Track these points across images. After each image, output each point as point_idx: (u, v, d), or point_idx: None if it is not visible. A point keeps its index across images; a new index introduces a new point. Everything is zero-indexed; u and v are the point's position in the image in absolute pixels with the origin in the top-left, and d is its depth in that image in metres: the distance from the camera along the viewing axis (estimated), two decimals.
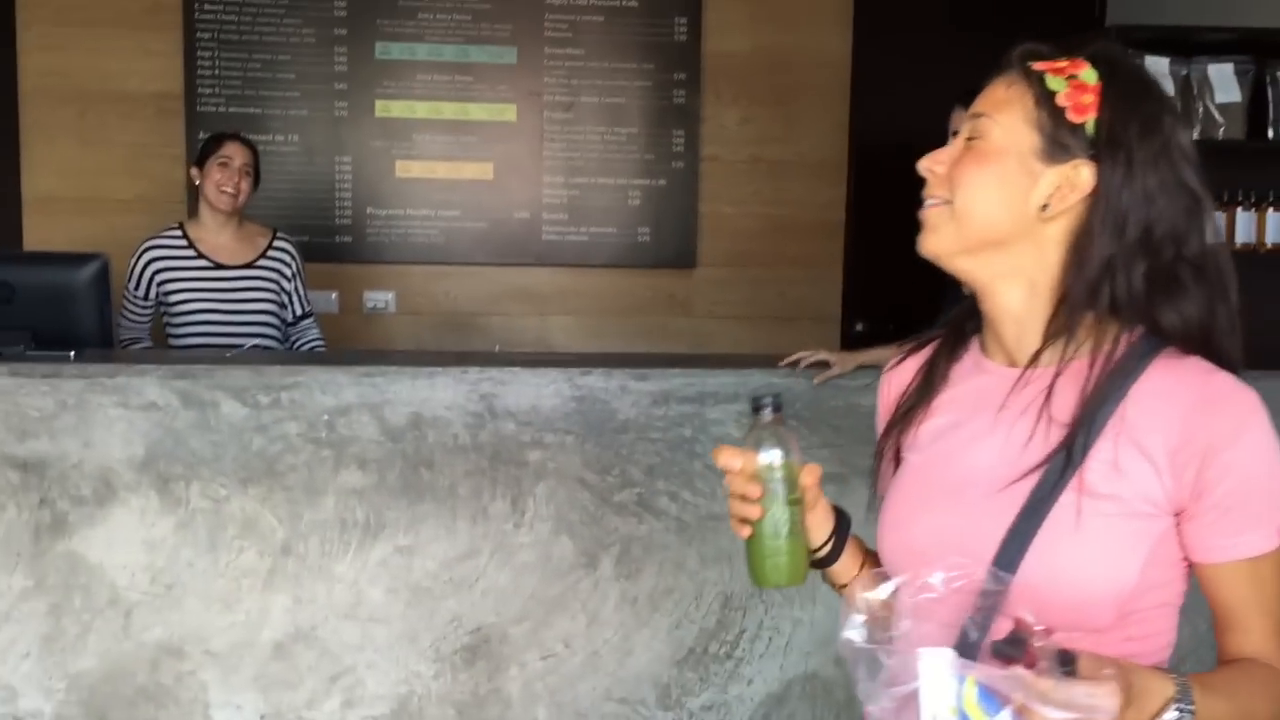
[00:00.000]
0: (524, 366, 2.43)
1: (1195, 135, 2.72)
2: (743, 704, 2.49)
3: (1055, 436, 1.13)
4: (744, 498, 1.15)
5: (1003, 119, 1.15)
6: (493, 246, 4.38)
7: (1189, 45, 2.73)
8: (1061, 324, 1.15)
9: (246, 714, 2.39)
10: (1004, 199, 1.14)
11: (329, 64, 4.25)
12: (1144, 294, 1.12)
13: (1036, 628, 0.99)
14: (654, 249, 4.46)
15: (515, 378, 2.39)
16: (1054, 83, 1.14)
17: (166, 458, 2.33)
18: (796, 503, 1.16)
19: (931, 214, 1.18)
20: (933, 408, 1.25)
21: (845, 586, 1.23)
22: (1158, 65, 2.57)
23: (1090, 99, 1.12)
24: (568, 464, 2.40)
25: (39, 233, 4.17)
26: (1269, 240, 2.75)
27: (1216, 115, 2.70)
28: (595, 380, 2.40)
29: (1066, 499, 1.10)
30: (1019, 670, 0.95)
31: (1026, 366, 1.17)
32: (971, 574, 1.06)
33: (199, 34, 4.19)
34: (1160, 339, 1.13)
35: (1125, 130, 1.12)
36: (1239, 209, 2.73)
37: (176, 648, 2.36)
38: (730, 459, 1.15)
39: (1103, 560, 1.10)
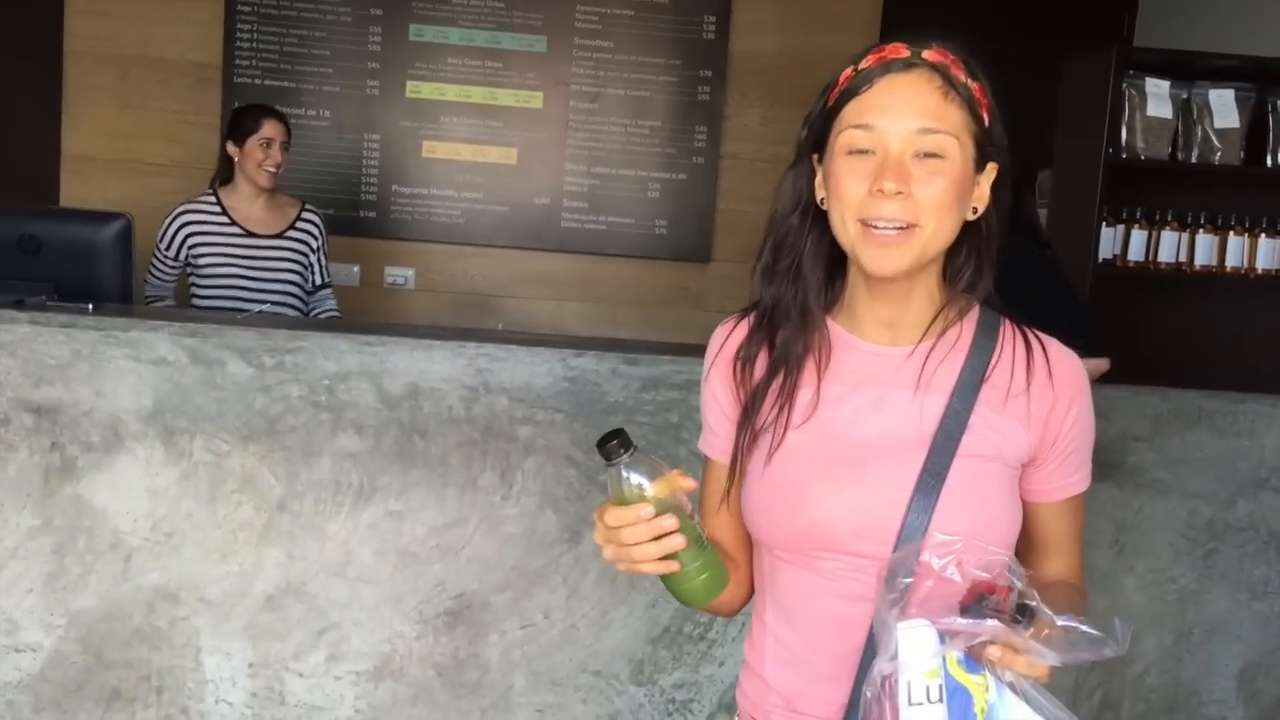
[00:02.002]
0: (519, 345, 2.51)
1: (1192, 158, 2.76)
2: (713, 684, 2.56)
3: (939, 406, 1.21)
4: (658, 537, 1.13)
5: (960, 137, 1.16)
6: (512, 230, 4.49)
7: (1192, 70, 2.77)
8: (949, 304, 1.25)
9: (235, 661, 2.49)
10: (960, 219, 1.20)
11: (363, 43, 4.37)
12: (989, 282, 1.25)
13: (998, 586, 1.09)
14: (670, 241, 4.54)
15: (511, 355, 2.47)
16: (964, 88, 1.17)
17: (173, 411, 2.43)
18: (691, 515, 1.17)
19: (898, 242, 1.16)
20: (800, 383, 1.26)
21: None
22: (1158, 88, 2.61)
23: (985, 101, 1.19)
24: (556, 441, 2.48)
25: (75, 191, 4.32)
26: (1259, 266, 2.79)
27: (1214, 139, 2.74)
28: (587, 362, 2.48)
29: (960, 464, 1.18)
30: (994, 626, 1.05)
31: (923, 342, 1.24)
32: (960, 552, 1.12)
33: (239, 7, 4.31)
34: (990, 308, 1.27)
35: (1001, 130, 1.22)
36: (1231, 234, 2.76)
37: (173, 593, 2.46)
38: (630, 511, 1.13)
39: (1000, 517, 1.21)
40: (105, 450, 2.43)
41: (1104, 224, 2.78)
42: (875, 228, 1.16)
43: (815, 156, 1.25)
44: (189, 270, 3.58)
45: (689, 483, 1.16)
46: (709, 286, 4.61)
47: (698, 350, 2.65)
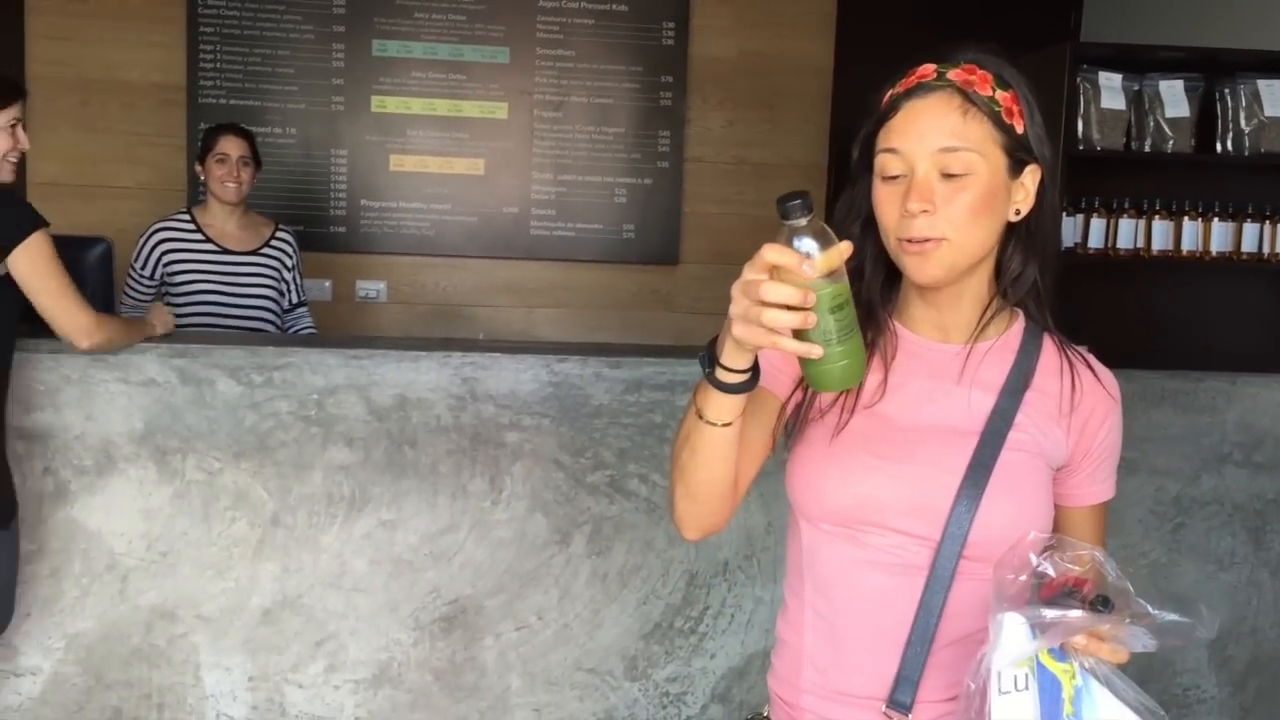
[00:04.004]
0: (504, 353, 2.56)
1: (1145, 147, 2.86)
2: (705, 676, 2.63)
3: (988, 402, 1.29)
4: (790, 308, 1.04)
5: (984, 150, 1.23)
6: (482, 240, 4.52)
7: (1143, 62, 2.86)
8: (1000, 305, 1.32)
9: (235, 676, 2.52)
10: (995, 226, 1.26)
11: (327, 60, 4.39)
12: (1033, 272, 1.31)
13: (1083, 579, 1.14)
14: (639, 245, 4.60)
15: (496, 363, 2.52)
16: (992, 101, 1.24)
17: (164, 431, 2.46)
18: (846, 303, 1.07)
19: (931, 252, 1.23)
20: (868, 373, 1.29)
21: (727, 426, 1.19)
22: (1110, 80, 2.70)
23: (1016, 108, 1.25)
24: (544, 446, 2.53)
25: None
26: (1213, 249, 2.89)
27: (1166, 129, 2.83)
28: (571, 367, 2.54)
29: (1007, 457, 1.26)
30: (1079, 616, 1.09)
31: (975, 342, 1.31)
32: (1054, 549, 1.16)
33: (201, 28, 4.32)
34: (1032, 319, 1.34)
35: (1041, 131, 1.28)
36: (1185, 219, 2.86)
37: (170, 611, 2.49)
38: (787, 256, 1.03)
39: (1040, 509, 1.29)
40: (98, 473, 2.46)
41: (1064, 214, 2.88)
42: (910, 243, 1.25)
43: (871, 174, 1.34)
44: (164, 289, 3.59)
45: (847, 248, 1.07)
46: (678, 288, 4.67)
47: (678, 351, 2.73)
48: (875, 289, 1.33)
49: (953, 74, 1.24)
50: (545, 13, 4.47)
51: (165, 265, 3.53)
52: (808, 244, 1.04)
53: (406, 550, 2.53)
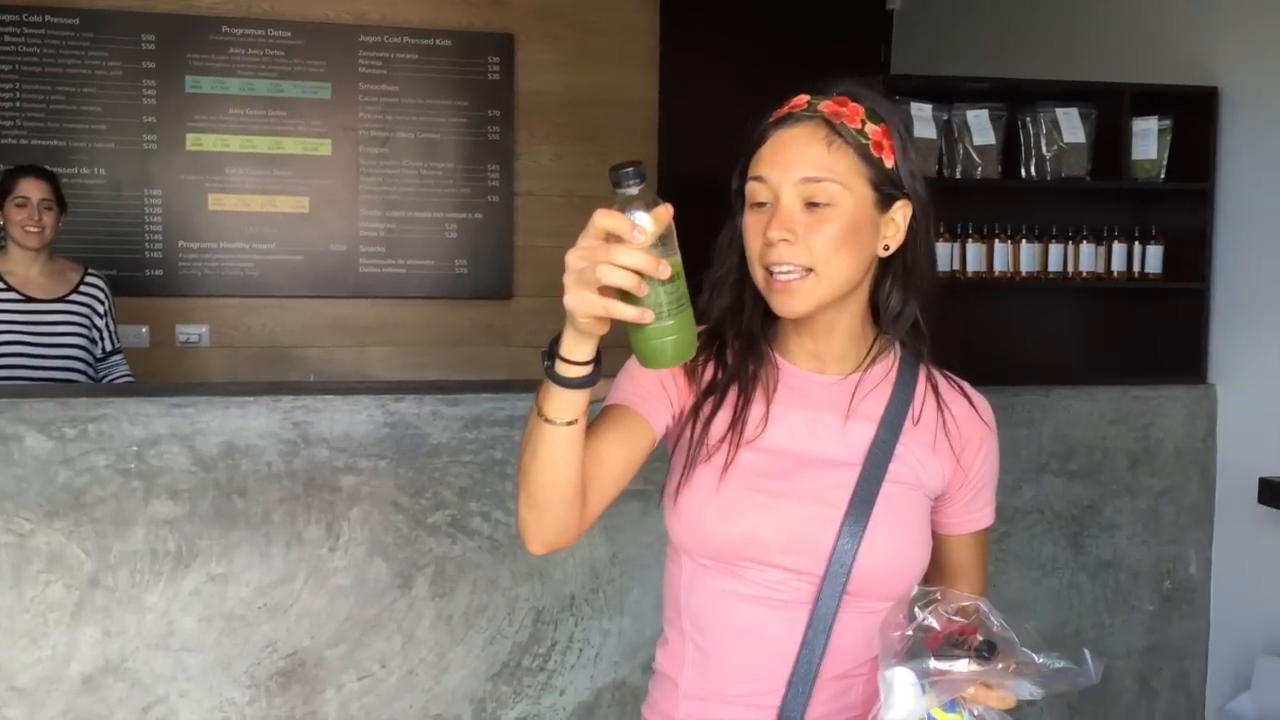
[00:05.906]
0: (337, 394, 2.49)
1: (956, 174, 2.99)
2: (556, 713, 2.60)
3: (867, 434, 1.29)
4: (638, 272, 1.01)
5: (849, 182, 1.22)
6: (309, 279, 4.41)
7: (951, 93, 3.00)
8: (875, 337, 1.33)
9: None
10: (862, 258, 1.25)
11: (137, 97, 4.22)
12: (913, 309, 1.31)
13: (967, 627, 1.15)
14: (471, 280, 4.56)
15: (328, 405, 2.45)
16: (860, 134, 1.23)
17: None
18: (678, 275, 1.06)
19: (794, 284, 1.22)
20: (752, 401, 1.30)
21: (570, 424, 1.14)
22: (921, 111, 2.82)
23: (886, 142, 1.25)
24: (381, 488, 2.47)
25: None
26: (1023, 269, 3.05)
27: (975, 156, 2.98)
28: (407, 406, 2.49)
29: (887, 490, 1.27)
30: (967, 668, 1.12)
31: (852, 373, 1.31)
32: (938, 601, 1.18)
33: None
34: (908, 350, 1.34)
35: (914, 166, 1.28)
36: (996, 241, 3.00)
37: None
38: (619, 222, 1.01)
39: (921, 540, 1.30)
40: None
41: None
42: (776, 274, 1.24)
43: None
44: None
45: (669, 208, 1.05)
46: (513, 322, 4.65)
47: (516, 386, 2.71)
48: (755, 321, 1.32)
49: (823, 105, 1.25)
50: (367, 47, 4.41)
51: None
52: (640, 215, 1.02)
53: (239, 604, 2.42)
